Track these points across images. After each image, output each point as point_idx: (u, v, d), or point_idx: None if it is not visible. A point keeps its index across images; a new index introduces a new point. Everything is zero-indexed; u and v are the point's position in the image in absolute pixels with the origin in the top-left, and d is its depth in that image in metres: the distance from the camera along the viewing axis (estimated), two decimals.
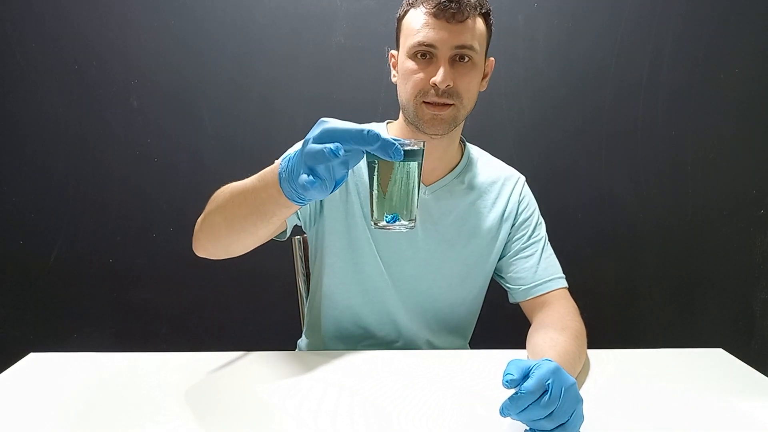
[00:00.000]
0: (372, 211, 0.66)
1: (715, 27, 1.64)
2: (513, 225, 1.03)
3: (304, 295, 1.27)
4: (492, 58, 0.97)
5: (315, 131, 0.57)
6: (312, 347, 1.10)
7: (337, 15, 1.60)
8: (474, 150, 1.08)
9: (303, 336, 1.16)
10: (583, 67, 1.65)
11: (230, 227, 0.76)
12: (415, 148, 0.62)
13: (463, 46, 0.87)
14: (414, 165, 0.63)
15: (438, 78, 0.86)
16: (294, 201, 0.63)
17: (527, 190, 1.07)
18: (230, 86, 1.63)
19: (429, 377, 0.83)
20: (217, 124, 1.65)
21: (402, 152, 0.57)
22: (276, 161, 0.68)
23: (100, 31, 1.59)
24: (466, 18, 0.86)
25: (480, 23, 0.90)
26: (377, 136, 0.55)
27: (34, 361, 0.86)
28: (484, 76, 0.96)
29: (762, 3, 1.63)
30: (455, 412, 0.72)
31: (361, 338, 1.03)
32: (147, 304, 1.73)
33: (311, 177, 0.57)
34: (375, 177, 0.64)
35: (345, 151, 0.56)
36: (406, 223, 0.65)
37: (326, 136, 0.56)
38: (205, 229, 0.80)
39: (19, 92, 1.61)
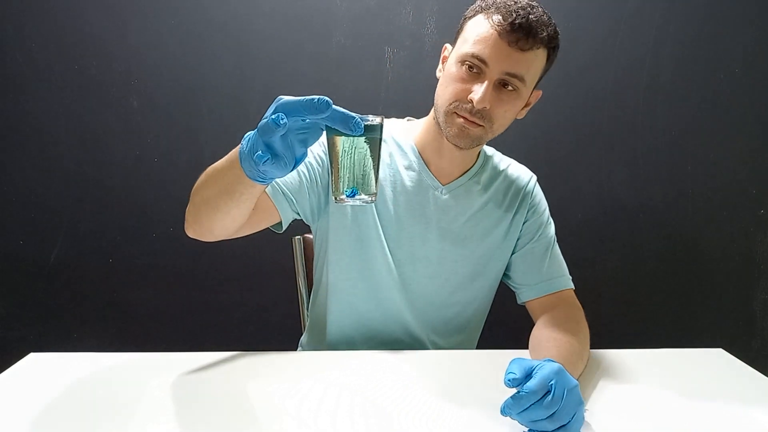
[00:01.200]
0: (333, 186, 0.66)
1: (715, 27, 1.64)
2: (523, 223, 1.03)
3: (304, 295, 1.27)
4: (540, 91, 0.94)
5: (271, 107, 0.57)
6: (314, 345, 1.09)
7: (337, 15, 1.60)
8: (488, 150, 1.08)
9: (305, 334, 1.15)
10: (582, 65, 1.65)
11: (207, 207, 0.77)
12: (373, 123, 0.62)
13: (514, 75, 0.84)
14: (372, 138, 0.63)
15: (477, 97, 0.83)
16: (255, 180, 0.63)
17: (538, 189, 1.07)
18: (230, 86, 1.63)
19: (429, 377, 0.83)
20: (217, 124, 1.65)
21: (362, 126, 0.57)
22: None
23: (100, 31, 1.59)
24: (530, 49, 0.83)
25: (542, 56, 0.86)
26: (327, 103, 0.54)
27: (34, 361, 0.86)
28: (526, 105, 0.94)
29: (762, 3, 1.63)
30: (456, 413, 0.72)
31: (366, 337, 1.02)
32: (147, 304, 1.73)
33: (264, 153, 0.56)
34: (333, 152, 0.64)
35: (302, 123, 0.56)
36: (365, 197, 0.65)
37: (280, 110, 0.55)
38: (190, 209, 0.82)
39: (19, 92, 1.61)
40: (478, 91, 0.83)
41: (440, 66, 0.94)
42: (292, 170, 0.60)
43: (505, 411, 0.60)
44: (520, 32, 0.81)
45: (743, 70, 1.66)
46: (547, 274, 0.99)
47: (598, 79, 1.66)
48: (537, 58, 0.85)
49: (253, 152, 0.58)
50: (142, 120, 1.64)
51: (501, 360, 0.87)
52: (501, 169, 1.05)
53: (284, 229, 0.93)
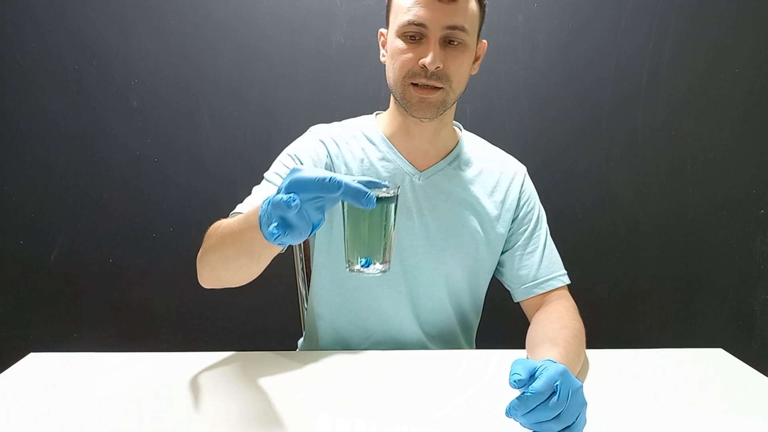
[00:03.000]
0: (346, 253, 0.65)
1: (714, 27, 1.64)
2: (514, 219, 1.01)
3: (304, 295, 1.27)
4: (485, 41, 0.95)
5: (285, 181, 0.56)
6: (311, 347, 1.09)
7: (337, 15, 1.60)
8: (471, 136, 1.06)
9: (303, 336, 1.15)
10: (583, 67, 1.65)
11: (225, 266, 0.77)
12: (389, 195, 0.61)
13: (454, 27, 0.84)
14: (387, 209, 0.62)
15: (428, 59, 0.84)
16: (274, 243, 0.61)
17: (528, 181, 1.05)
18: (230, 86, 1.63)
19: (430, 377, 0.83)
20: (217, 124, 1.65)
21: (374, 200, 0.56)
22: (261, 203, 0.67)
23: (100, 32, 1.59)
24: None
25: (473, 4, 0.87)
26: (338, 184, 0.54)
27: (34, 361, 0.86)
28: (476, 59, 0.94)
29: (762, 3, 1.63)
30: (456, 413, 0.72)
31: (359, 336, 1.01)
32: (147, 304, 1.73)
33: (277, 229, 0.55)
34: (347, 219, 0.63)
35: (314, 199, 0.55)
36: (380, 266, 0.64)
37: (294, 186, 0.55)
38: (205, 267, 0.81)
39: (19, 92, 1.61)
40: (426, 53, 0.84)
41: (382, 51, 0.95)
42: (310, 234, 0.59)
43: (510, 412, 0.59)
44: None
45: (743, 70, 1.66)
46: (542, 273, 0.98)
47: (598, 79, 1.66)
48: (469, 5, 0.86)
49: (268, 225, 0.57)
50: (142, 120, 1.64)
51: (501, 359, 0.88)
52: (486, 156, 1.03)
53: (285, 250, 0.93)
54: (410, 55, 0.86)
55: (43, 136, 1.63)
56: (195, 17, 1.59)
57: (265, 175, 0.95)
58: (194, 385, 0.78)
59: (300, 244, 1.25)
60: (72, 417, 0.69)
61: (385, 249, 0.64)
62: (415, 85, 0.87)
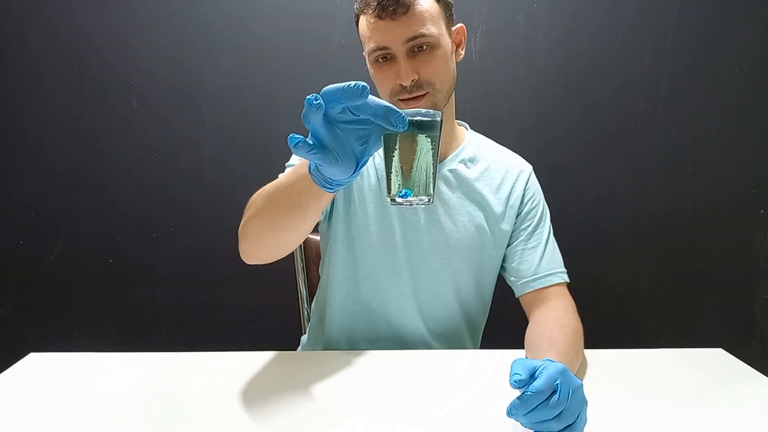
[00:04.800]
0: (387, 184, 0.62)
1: (714, 27, 1.64)
2: (519, 215, 1.02)
3: (304, 295, 1.27)
4: (461, 25, 0.94)
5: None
6: (315, 339, 1.09)
7: (337, 15, 1.60)
8: (477, 136, 1.07)
9: (307, 332, 1.15)
10: (582, 66, 1.65)
11: (273, 227, 0.75)
12: (426, 119, 0.57)
13: (414, 37, 0.85)
14: (423, 137, 0.59)
15: (401, 78, 0.86)
16: (324, 187, 0.61)
17: (534, 180, 1.06)
18: (231, 87, 1.63)
19: (430, 377, 0.83)
20: (218, 125, 1.65)
21: (406, 121, 0.54)
22: None
23: (100, 31, 1.59)
24: (408, 7, 0.84)
25: (426, 4, 0.86)
26: (363, 88, 0.50)
27: (34, 361, 0.86)
28: (457, 46, 0.94)
29: (762, 3, 1.63)
30: (456, 413, 0.72)
31: (364, 330, 1.02)
32: (147, 304, 1.73)
33: (310, 142, 0.53)
34: (388, 151, 0.60)
35: (352, 116, 0.53)
36: (420, 198, 0.60)
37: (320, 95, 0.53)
38: (249, 234, 0.79)
39: (19, 92, 1.61)
40: (398, 72, 0.86)
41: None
42: (356, 173, 0.58)
43: (511, 412, 0.59)
44: (389, 4, 0.83)
45: (743, 71, 1.66)
46: (541, 269, 0.98)
47: (598, 79, 1.66)
48: (422, 8, 0.85)
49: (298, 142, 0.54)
50: (143, 120, 1.64)
51: (501, 359, 0.88)
52: (493, 154, 1.05)
53: None
54: (386, 76, 0.89)
55: (43, 136, 1.63)
56: (195, 17, 1.59)
57: (287, 164, 0.97)
58: (194, 385, 0.78)
59: (301, 245, 1.25)
60: (72, 417, 0.69)
61: (423, 179, 0.60)
62: (403, 99, 0.89)
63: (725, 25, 1.64)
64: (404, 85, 0.86)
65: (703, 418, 0.72)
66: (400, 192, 0.60)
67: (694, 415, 0.73)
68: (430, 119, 0.58)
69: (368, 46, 0.88)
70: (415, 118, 0.57)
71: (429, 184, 0.61)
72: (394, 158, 0.60)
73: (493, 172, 1.02)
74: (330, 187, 0.62)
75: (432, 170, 0.61)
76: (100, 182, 1.66)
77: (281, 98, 1.64)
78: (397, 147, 0.59)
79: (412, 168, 0.59)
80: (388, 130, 0.55)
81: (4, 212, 1.66)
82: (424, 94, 0.88)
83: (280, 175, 0.87)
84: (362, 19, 0.89)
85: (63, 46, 1.59)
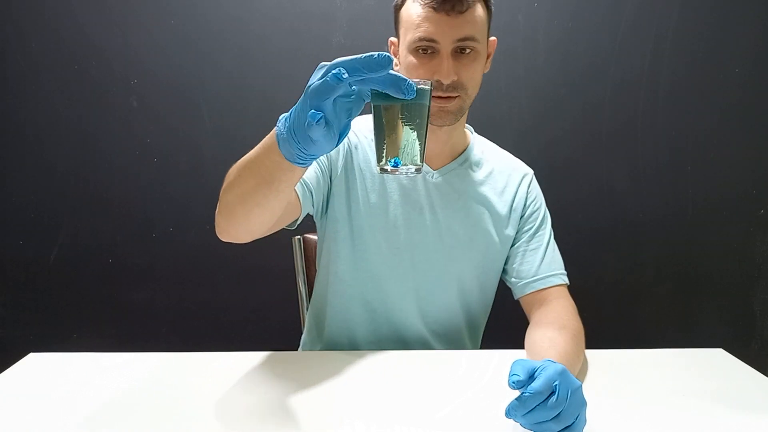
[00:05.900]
0: (377, 153, 0.63)
1: (714, 27, 1.64)
2: (521, 217, 1.03)
3: (304, 295, 1.27)
4: (493, 38, 0.96)
5: (316, 74, 0.53)
6: (314, 340, 1.09)
7: (337, 15, 1.60)
8: (481, 139, 1.08)
9: (305, 333, 1.15)
10: (582, 66, 1.65)
11: (243, 203, 0.73)
12: (422, 87, 0.58)
13: (465, 38, 0.85)
14: (415, 106, 0.59)
15: (442, 75, 0.85)
16: (296, 162, 0.60)
17: (535, 184, 1.07)
18: (231, 87, 1.63)
19: (430, 377, 0.83)
20: (218, 126, 1.65)
21: (414, 88, 0.54)
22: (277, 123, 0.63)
23: (100, 31, 1.59)
24: (468, 7, 0.84)
25: (480, 10, 0.87)
26: (389, 59, 0.50)
27: (34, 361, 0.86)
28: (487, 57, 0.95)
29: (762, 2, 1.63)
30: (456, 413, 0.72)
31: (365, 331, 1.01)
32: (147, 304, 1.73)
33: (317, 114, 0.52)
34: (378, 119, 0.61)
35: (353, 83, 0.52)
36: (408, 167, 0.61)
37: (337, 65, 0.51)
38: (222, 211, 0.78)
39: (19, 92, 1.61)
40: (440, 68, 0.85)
41: (394, 60, 0.95)
42: (336, 145, 0.57)
43: (510, 413, 0.59)
44: None
45: (743, 71, 1.66)
46: (542, 271, 0.99)
47: (598, 79, 1.66)
48: (476, 12, 0.86)
49: (302, 121, 0.53)
50: (142, 120, 1.64)
51: (501, 360, 0.88)
52: (496, 158, 1.05)
53: (296, 225, 0.92)
54: (425, 69, 0.87)
55: (43, 137, 1.63)
56: (195, 17, 1.59)
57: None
58: (194, 385, 0.78)
59: (301, 245, 1.25)
60: (72, 417, 0.69)
61: (413, 148, 0.61)
62: (433, 96, 0.87)
63: (725, 25, 1.64)
64: (444, 83, 0.86)
65: (703, 418, 0.72)
66: (390, 161, 0.61)
67: (694, 415, 0.73)
68: (424, 87, 0.59)
69: (413, 34, 0.86)
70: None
71: (418, 154, 0.62)
72: (384, 128, 0.60)
73: (497, 175, 1.03)
74: (304, 162, 0.60)
75: (421, 140, 0.61)
76: (100, 182, 1.66)
77: (281, 98, 1.64)
78: (388, 116, 0.60)
79: (401, 137, 0.60)
80: (377, 98, 0.57)
81: (4, 212, 1.66)
82: (456, 97, 0.89)
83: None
84: (411, 5, 0.87)
85: (63, 46, 1.59)
